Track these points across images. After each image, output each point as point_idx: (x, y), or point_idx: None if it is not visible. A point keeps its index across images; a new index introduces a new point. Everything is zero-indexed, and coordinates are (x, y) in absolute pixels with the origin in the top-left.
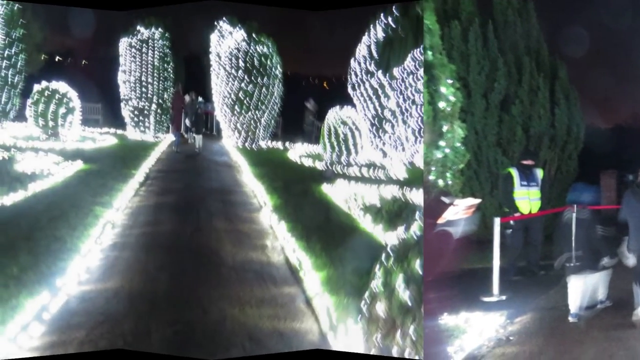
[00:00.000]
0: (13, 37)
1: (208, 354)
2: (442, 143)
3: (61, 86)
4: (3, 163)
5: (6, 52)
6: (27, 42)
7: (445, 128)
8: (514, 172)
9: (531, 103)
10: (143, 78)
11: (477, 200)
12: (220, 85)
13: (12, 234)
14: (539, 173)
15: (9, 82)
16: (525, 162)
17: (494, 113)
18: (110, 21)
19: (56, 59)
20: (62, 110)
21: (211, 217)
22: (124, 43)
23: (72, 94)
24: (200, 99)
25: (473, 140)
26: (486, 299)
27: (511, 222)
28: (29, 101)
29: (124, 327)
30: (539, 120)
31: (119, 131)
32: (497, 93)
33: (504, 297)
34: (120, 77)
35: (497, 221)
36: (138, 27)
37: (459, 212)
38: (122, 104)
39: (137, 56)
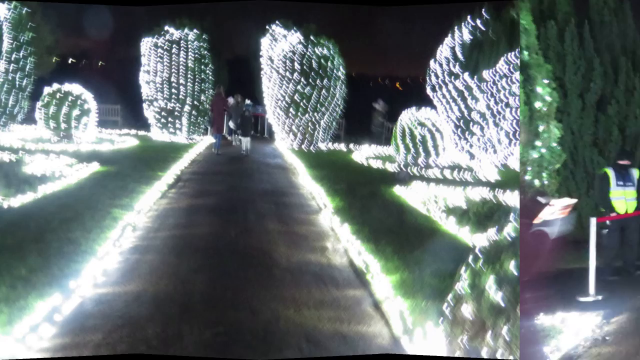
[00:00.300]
0: (21, 40)
1: (260, 354)
2: (538, 143)
3: (75, 88)
4: (10, 165)
5: (14, 55)
6: (37, 45)
7: (541, 128)
8: (610, 172)
9: (627, 103)
10: (173, 79)
11: (573, 201)
12: (272, 88)
13: (19, 235)
14: (635, 173)
15: (17, 85)
16: (621, 162)
17: (590, 113)
18: (129, 21)
19: (69, 61)
20: (75, 112)
21: (262, 219)
22: (147, 43)
23: (87, 95)
24: (248, 101)
25: (569, 140)
26: (582, 299)
27: (607, 222)
28: (39, 104)
29: (147, 331)
30: (635, 120)
31: (141, 132)
32: (593, 93)
33: (600, 297)
34: (143, 78)
35: (593, 221)
36: (166, 28)
37: (555, 212)
38: (144, 105)
39: (165, 57)
